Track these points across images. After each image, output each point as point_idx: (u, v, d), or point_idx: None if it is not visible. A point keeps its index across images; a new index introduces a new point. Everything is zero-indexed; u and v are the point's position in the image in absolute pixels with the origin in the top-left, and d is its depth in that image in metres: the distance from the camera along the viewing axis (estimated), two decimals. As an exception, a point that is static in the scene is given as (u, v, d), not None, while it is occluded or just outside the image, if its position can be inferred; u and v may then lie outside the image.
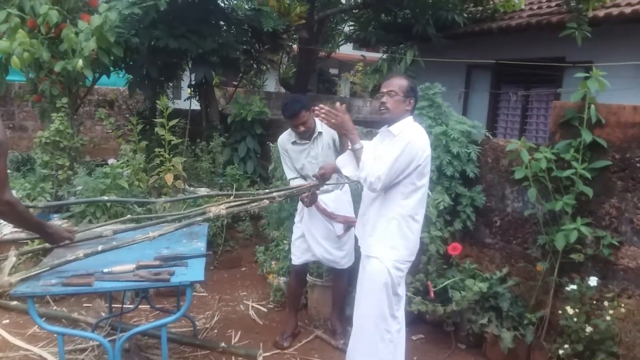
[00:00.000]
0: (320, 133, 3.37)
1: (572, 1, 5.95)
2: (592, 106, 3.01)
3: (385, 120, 2.66)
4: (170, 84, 7.58)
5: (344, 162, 2.73)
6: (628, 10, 5.58)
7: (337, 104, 2.62)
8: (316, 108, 2.64)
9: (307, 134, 3.35)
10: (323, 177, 3.14)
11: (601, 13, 5.79)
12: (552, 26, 6.15)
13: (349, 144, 2.64)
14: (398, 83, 2.63)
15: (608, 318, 2.87)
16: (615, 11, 5.71)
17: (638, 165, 2.90)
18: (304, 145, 3.40)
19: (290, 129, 3.44)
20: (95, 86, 7.12)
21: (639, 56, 5.58)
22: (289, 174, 3.53)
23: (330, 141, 3.37)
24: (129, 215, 3.22)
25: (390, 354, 2.66)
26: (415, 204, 2.61)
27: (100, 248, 2.51)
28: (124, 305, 3.66)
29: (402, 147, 2.48)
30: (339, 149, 2.83)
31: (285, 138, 3.48)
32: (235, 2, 6.45)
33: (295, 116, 3.25)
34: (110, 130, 6.44)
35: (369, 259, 2.67)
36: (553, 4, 6.80)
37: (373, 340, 2.63)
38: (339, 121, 2.58)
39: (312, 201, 3.28)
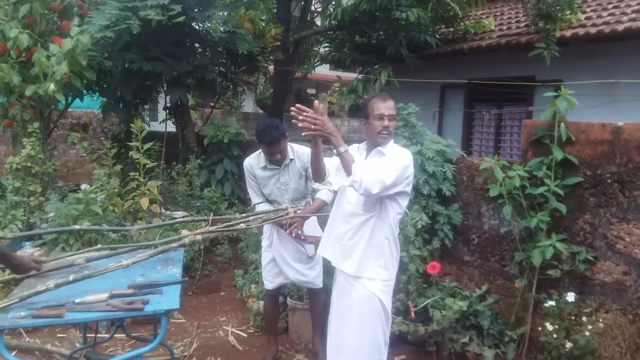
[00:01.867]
0: (292, 160, 3.35)
1: (540, 22, 6.13)
2: (562, 124, 3.08)
3: (383, 144, 2.58)
4: (146, 107, 7.52)
5: (334, 179, 2.62)
6: (593, 30, 5.77)
7: (316, 102, 2.40)
8: (293, 109, 2.36)
9: (280, 161, 3.32)
10: (297, 226, 3.17)
11: (568, 33, 5.97)
12: (522, 46, 6.31)
13: (333, 149, 2.47)
14: (394, 106, 2.59)
15: (587, 333, 2.89)
16: (581, 31, 5.89)
17: (609, 181, 2.96)
18: (273, 170, 3.37)
19: (258, 152, 3.41)
20: (69, 109, 7.03)
21: (606, 75, 5.75)
22: (255, 198, 3.48)
23: (302, 169, 3.36)
24: (99, 245, 3.12)
25: None
26: (399, 221, 2.62)
27: (71, 277, 2.43)
28: (100, 335, 3.55)
29: (403, 159, 2.48)
30: (313, 159, 2.70)
31: (254, 162, 3.42)
32: (209, 25, 6.46)
33: (273, 144, 3.20)
34: (85, 155, 6.34)
35: (354, 283, 2.57)
36: (522, 24, 6.99)
37: None
38: (321, 125, 2.34)
39: (295, 229, 3.23)
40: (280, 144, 3.21)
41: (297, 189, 3.40)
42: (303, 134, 2.36)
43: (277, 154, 3.25)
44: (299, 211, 3.24)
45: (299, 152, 3.39)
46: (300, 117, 2.33)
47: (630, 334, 2.86)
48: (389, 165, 2.44)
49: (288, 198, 3.38)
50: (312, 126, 2.33)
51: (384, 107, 2.55)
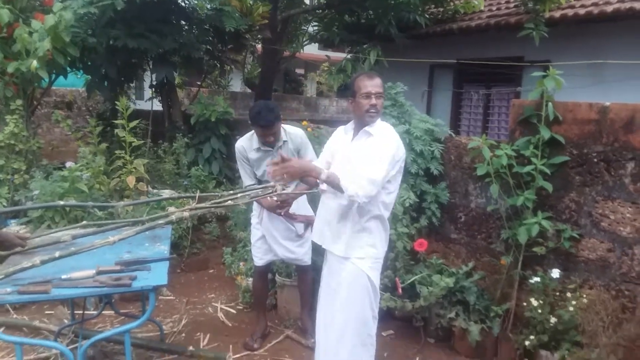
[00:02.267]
0: (285, 142, 3.34)
1: (529, 2, 6.12)
2: (550, 104, 3.10)
3: (371, 122, 2.55)
4: (132, 85, 7.41)
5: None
6: (582, 11, 5.77)
7: (279, 153, 2.52)
8: (268, 171, 2.55)
9: (273, 142, 3.31)
10: (284, 203, 3.17)
11: (557, 14, 5.97)
12: (511, 27, 6.30)
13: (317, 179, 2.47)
14: (381, 83, 2.55)
15: (571, 309, 2.95)
16: (570, 12, 5.90)
17: (595, 160, 2.99)
18: (267, 152, 3.35)
19: (251, 133, 3.38)
20: (53, 87, 6.91)
21: (594, 55, 5.78)
22: (247, 180, 3.46)
23: (295, 151, 3.36)
24: (84, 222, 3.09)
25: (371, 357, 2.65)
26: (392, 199, 2.62)
27: (57, 254, 2.41)
28: (88, 312, 3.54)
29: (390, 146, 2.46)
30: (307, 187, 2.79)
31: (246, 144, 3.39)
32: (196, 1, 6.35)
33: (269, 126, 3.18)
34: (69, 133, 6.25)
35: (344, 262, 2.58)
36: (511, 5, 6.97)
37: (355, 347, 2.59)
38: (293, 170, 2.42)
39: (285, 210, 3.24)
40: (275, 126, 3.20)
41: None
42: (279, 184, 2.57)
43: (270, 136, 3.23)
44: (286, 189, 3.23)
45: (291, 133, 3.37)
46: (271, 176, 2.46)
47: (613, 309, 2.92)
48: (375, 156, 2.41)
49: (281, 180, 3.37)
50: (285, 175, 2.41)
51: (371, 84, 2.51)
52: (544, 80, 3.10)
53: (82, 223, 2.97)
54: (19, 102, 5.10)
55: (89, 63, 6.02)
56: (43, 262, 2.35)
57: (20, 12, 5.14)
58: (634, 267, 2.85)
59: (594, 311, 2.97)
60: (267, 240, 3.48)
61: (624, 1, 5.55)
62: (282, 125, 3.35)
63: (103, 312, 3.67)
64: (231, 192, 3.16)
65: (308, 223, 3.44)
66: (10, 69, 4.79)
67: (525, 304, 3.16)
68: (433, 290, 3.37)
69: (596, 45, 6.02)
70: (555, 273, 3.04)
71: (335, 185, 2.43)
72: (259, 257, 3.55)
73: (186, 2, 6.44)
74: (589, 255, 3.04)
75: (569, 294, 3.02)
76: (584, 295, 3.00)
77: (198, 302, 4.29)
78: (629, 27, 5.70)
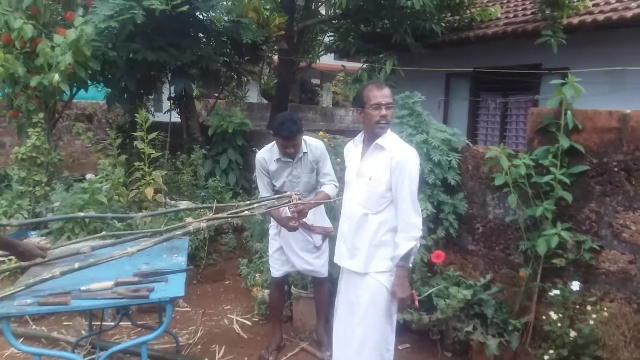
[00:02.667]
0: (305, 153, 3.36)
1: (547, 9, 6.06)
2: (569, 112, 3.05)
3: (381, 134, 2.54)
4: (150, 97, 7.52)
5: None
6: (601, 17, 5.69)
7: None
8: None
9: (293, 154, 3.33)
10: (301, 214, 3.17)
11: (575, 20, 5.90)
12: (528, 34, 6.25)
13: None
14: (390, 93, 2.53)
15: (591, 322, 2.88)
16: (588, 18, 5.82)
17: (615, 169, 2.93)
18: (287, 163, 3.37)
19: (272, 145, 3.41)
20: (74, 100, 7.05)
21: (613, 62, 5.69)
22: (264, 192, 3.48)
23: (314, 162, 3.38)
24: (103, 232, 3.14)
25: None
26: None
27: (77, 265, 2.45)
28: (105, 323, 3.57)
29: (414, 171, 2.47)
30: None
31: (267, 155, 3.41)
32: (213, 14, 6.43)
33: (291, 138, 3.21)
34: (90, 145, 6.36)
35: (363, 277, 2.58)
36: (528, 12, 6.91)
37: None
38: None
39: (301, 222, 3.26)
40: (297, 138, 3.23)
41: (308, 182, 3.41)
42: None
43: (291, 147, 3.25)
44: (303, 199, 3.25)
45: (311, 145, 3.39)
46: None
47: (634, 322, 2.85)
48: (405, 194, 2.43)
49: (299, 191, 3.39)
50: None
51: (381, 95, 2.48)
52: (562, 88, 3.06)
53: (101, 234, 3.01)
54: (41, 115, 5.22)
55: (109, 76, 6.13)
56: (63, 274, 2.39)
57: (43, 27, 5.27)
58: (657, 279, 2.78)
59: (615, 325, 2.90)
60: (285, 252, 3.48)
61: (645, 6, 5.47)
62: (304, 137, 3.38)
63: (120, 323, 3.71)
64: (247, 202, 3.19)
65: (326, 234, 3.44)
66: (33, 82, 4.91)
67: (544, 317, 3.10)
68: (450, 303, 3.32)
69: (615, 51, 5.93)
70: (575, 285, 2.98)
71: (404, 259, 2.48)
72: (277, 269, 3.55)
73: (204, 15, 6.53)
74: (610, 267, 2.98)
75: (589, 307, 2.96)
76: (605, 309, 2.93)
77: (214, 314, 4.30)
78: (649, 33, 5.62)
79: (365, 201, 2.54)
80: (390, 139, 2.54)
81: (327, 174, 3.42)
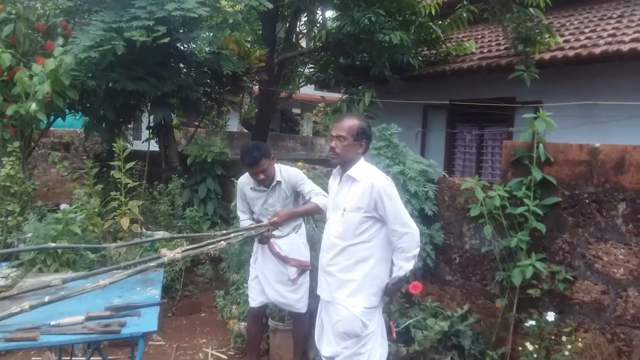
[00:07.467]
0: (279, 182, 3.36)
1: (519, 45, 6.28)
2: (541, 145, 3.13)
3: (335, 165, 2.66)
4: (129, 126, 7.48)
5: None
6: (571, 53, 5.91)
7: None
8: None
9: (266, 182, 3.33)
10: (274, 224, 3.15)
11: (547, 56, 6.11)
12: (502, 68, 6.44)
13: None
14: (348, 126, 2.57)
15: (567, 353, 2.90)
16: (559, 54, 6.04)
17: (586, 201, 3.00)
18: (262, 192, 3.37)
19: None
20: (51, 128, 6.97)
21: (585, 96, 5.87)
22: (241, 215, 3.50)
23: (289, 191, 3.38)
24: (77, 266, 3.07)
25: None
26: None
27: (47, 299, 2.37)
28: (76, 358, 3.46)
29: (395, 195, 2.53)
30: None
31: (245, 181, 3.44)
32: (194, 45, 6.49)
33: (254, 165, 3.21)
34: (65, 174, 6.26)
35: (336, 307, 2.61)
36: (502, 47, 7.14)
37: None
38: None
39: (262, 241, 3.28)
40: (261, 164, 3.21)
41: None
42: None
43: (259, 174, 3.25)
44: (275, 231, 3.27)
45: (286, 172, 3.39)
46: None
47: (608, 353, 2.87)
48: (399, 216, 2.50)
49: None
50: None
51: (334, 127, 2.61)
52: (534, 121, 3.15)
53: (73, 274, 2.94)
54: (16, 144, 5.14)
55: (88, 105, 6.10)
56: (32, 307, 2.31)
57: (22, 56, 5.24)
58: (629, 309, 2.82)
59: (590, 355, 2.92)
60: (260, 281, 3.45)
61: (612, 43, 5.69)
62: (280, 165, 3.38)
63: (91, 358, 3.59)
64: (224, 232, 3.16)
65: (302, 268, 3.41)
66: (9, 111, 4.85)
67: (520, 348, 3.11)
68: (428, 335, 3.31)
69: (587, 85, 6.13)
70: (551, 316, 3.00)
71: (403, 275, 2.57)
72: (253, 298, 3.51)
73: (185, 46, 6.58)
74: (584, 297, 3.02)
75: (564, 338, 2.97)
76: (580, 339, 2.95)
77: (189, 348, 4.20)
78: (618, 68, 5.83)
79: (342, 233, 2.55)
80: (360, 169, 2.59)
81: (311, 190, 3.34)
